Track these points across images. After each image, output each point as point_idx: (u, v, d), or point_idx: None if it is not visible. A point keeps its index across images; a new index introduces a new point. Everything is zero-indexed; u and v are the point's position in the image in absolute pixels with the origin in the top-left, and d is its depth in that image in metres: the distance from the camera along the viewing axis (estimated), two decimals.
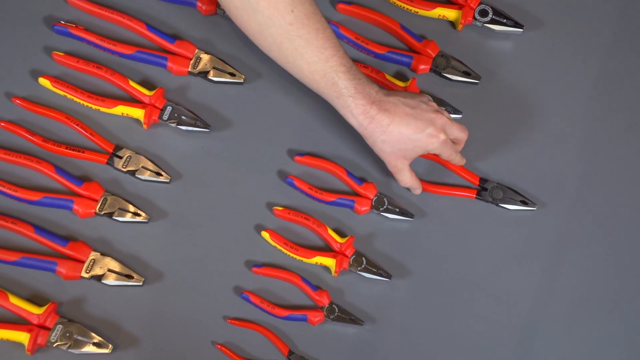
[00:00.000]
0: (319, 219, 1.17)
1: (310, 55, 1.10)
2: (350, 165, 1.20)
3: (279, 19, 1.08)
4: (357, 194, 1.19)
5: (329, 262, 1.16)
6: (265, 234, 1.17)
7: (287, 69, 1.13)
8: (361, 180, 1.19)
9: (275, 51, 1.12)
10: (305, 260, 1.16)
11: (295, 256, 1.16)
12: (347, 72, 1.11)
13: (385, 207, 1.18)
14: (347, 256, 1.16)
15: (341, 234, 1.18)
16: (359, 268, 1.15)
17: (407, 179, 1.16)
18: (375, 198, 1.18)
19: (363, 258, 1.16)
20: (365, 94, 1.11)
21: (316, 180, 1.19)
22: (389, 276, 1.16)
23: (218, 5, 1.24)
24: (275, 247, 1.16)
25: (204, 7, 1.24)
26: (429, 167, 1.21)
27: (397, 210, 1.18)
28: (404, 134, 1.11)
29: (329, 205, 1.18)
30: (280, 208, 1.18)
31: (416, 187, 1.18)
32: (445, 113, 1.15)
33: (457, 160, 1.18)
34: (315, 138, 1.21)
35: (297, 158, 1.19)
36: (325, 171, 1.20)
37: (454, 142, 1.16)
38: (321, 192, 1.18)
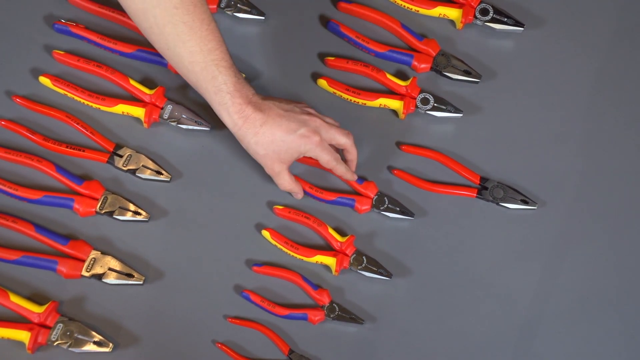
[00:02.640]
0: (320, 218, 1.17)
1: (192, 44, 1.07)
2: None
3: (165, 1, 1.06)
4: (357, 193, 1.19)
5: (330, 261, 1.16)
6: (265, 233, 1.17)
7: (165, 56, 1.11)
8: (362, 179, 1.19)
9: (156, 34, 1.08)
10: (305, 259, 1.16)
11: (295, 255, 1.16)
12: (229, 69, 1.09)
13: (385, 206, 1.18)
14: (347, 255, 1.16)
15: (342, 233, 1.18)
16: (359, 267, 1.15)
17: (286, 183, 1.14)
18: (375, 197, 1.18)
19: (363, 257, 1.16)
20: (243, 93, 1.09)
21: (317, 178, 1.19)
22: (389, 275, 1.16)
23: (219, 4, 1.24)
24: (275, 246, 1.16)
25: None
26: (429, 166, 1.20)
27: (398, 209, 1.18)
28: (276, 135, 1.10)
29: (330, 205, 1.18)
30: (280, 207, 1.18)
31: (297, 191, 1.16)
32: (327, 118, 1.14)
33: (342, 171, 1.15)
34: None
35: (306, 160, 1.19)
36: (325, 169, 1.20)
37: (340, 148, 1.15)
38: (322, 191, 1.18)
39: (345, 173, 1.16)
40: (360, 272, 1.15)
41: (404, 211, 1.18)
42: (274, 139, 1.10)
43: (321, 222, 1.17)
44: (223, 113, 1.10)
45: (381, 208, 1.18)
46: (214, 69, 1.08)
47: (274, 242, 1.16)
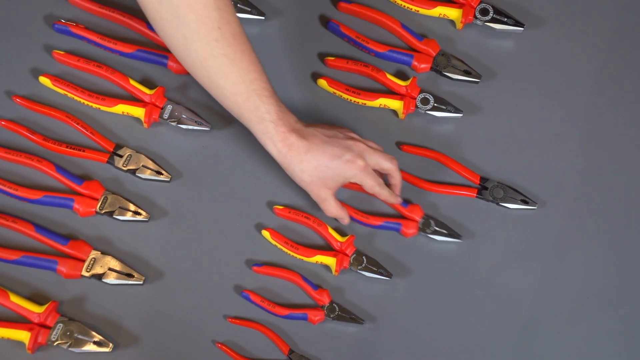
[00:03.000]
0: (320, 218, 1.17)
1: (234, 75, 1.07)
2: None
3: (206, 34, 1.05)
4: (403, 217, 1.18)
5: (330, 261, 1.16)
6: (265, 233, 1.17)
7: (208, 89, 1.11)
8: (406, 202, 1.18)
9: (198, 68, 1.09)
10: (305, 259, 1.16)
11: (295, 255, 1.16)
12: (271, 97, 1.09)
13: (432, 229, 1.17)
14: (347, 255, 1.16)
15: (342, 233, 1.18)
16: (359, 267, 1.15)
17: (332, 209, 1.14)
18: (421, 220, 1.18)
19: (363, 257, 1.16)
20: (285, 121, 1.09)
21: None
22: (389, 275, 1.16)
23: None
24: (275, 246, 1.16)
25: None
26: (429, 166, 1.20)
27: (445, 231, 1.17)
28: (321, 161, 1.10)
29: (373, 228, 1.17)
30: (280, 207, 1.18)
31: (343, 216, 1.15)
32: (370, 142, 1.14)
33: (386, 195, 1.14)
34: None
35: (348, 185, 1.17)
36: (366, 192, 1.18)
37: (384, 173, 1.14)
38: (367, 216, 1.17)
39: (389, 197, 1.15)
40: (360, 272, 1.15)
41: (451, 233, 1.17)
42: (318, 165, 1.10)
43: (321, 222, 1.17)
44: (267, 142, 1.10)
45: (427, 231, 1.17)
46: (256, 99, 1.08)
47: (274, 242, 1.16)
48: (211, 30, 1.05)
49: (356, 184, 1.14)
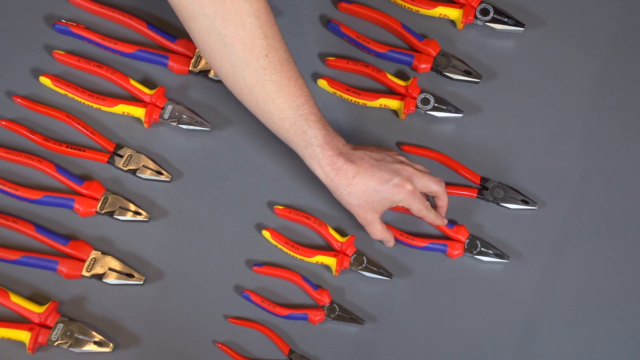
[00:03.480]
0: (320, 217, 1.17)
1: (281, 101, 1.08)
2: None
3: (253, 62, 1.07)
4: (448, 238, 1.18)
5: (330, 261, 1.16)
6: (266, 233, 1.17)
7: (256, 114, 1.12)
8: (452, 223, 1.18)
9: (246, 94, 1.10)
10: (306, 259, 1.16)
11: (296, 255, 1.16)
12: (317, 122, 1.09)
13: (478, 249, 1.17)
14: (347, 255, 1.16)
15: (342, 233, 1.18)
16: (359, 267, 1.16)
17: (378, 232, 1.14)
18: (467, 241, 1.17)
19: (364, 257, 1.16)
20: (333, 145, 1.10)
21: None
22: (389, 275, 1.16)
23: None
24: (276, 246, 1.16)
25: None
26: (429, 166, 1.20)
27: (491, 252, 1.17)
28: (369, 185, 1.10)
29: (419, 250, 1.17)
30: (281, 207, 1.18)
31: (388, 239, 1.15)
32: (417, 165, 1.14)
33: (432, 218, 1.15)
34: None
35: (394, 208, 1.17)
36: (415, 215, 1.18)
37: (431, 195, 1.15)
38: (413, 237, 1.17)
39: (436, 219, 1.15)
40: (361, 272, 1.15)
41: (497, 253, 1.17)
42: (367, 189, 1.10)
43: (321, 222, 1.17)
44: (315, 165, 1.10)
45: (474, 252, 1.17)
46: (303, 123, 1.09)
47: (274, 242, 1.16)
48: (259, 58, 1.07)
49: (401, 207, 1.14)
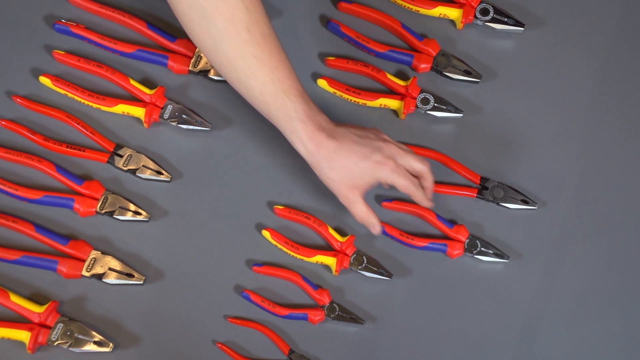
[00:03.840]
0: (320, 217, 1.17)
1: (262, 75, 1.07)
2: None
3: (235, 35, 1.06)
4: (448, 238, 1.18)
5: (330, 261, 1.16)
6: (265, 233, 1.17)
7: (237, 89, 1.10)
8: (452, 223, 1.18)
9: (227, 68, 1.08)
10: (305, 259, 1.16)
11: (295, 255, 1.16)
12: (299, 96, 1.08)
13: (478, 249, 1.17)
14: (347, 255, 1.16)
15: (342, 233, 1.18)
16: (359, 267, 1.16)
17: (361, 212, 1.10)
18: (467, 240, 1.17)
19: (364, 257, 1.16)
20: (314, 120, 1.08)
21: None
22: (389, 275, 1.16)
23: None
24: (275, 246, 1.17)
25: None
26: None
27: (491, 252, 1.17)
28: (350, 160, 1.08)
29: (419, 250, 1.17)
30: (281, 207, 1.18)
31: (373, 222, 1.11)
32: (401, 145, 1.12)
33: (420, 197, 1.12)
34: None
35: (385, 204, 1.17)
36: (414, 215, 1.18)
37: (415, 175, 1.12)
38: (413, 237, 1.17)
39: (423, 200, 1.13)
40: (361, 272, 1.15)
41: (497, 253, 1.17)
42: (348, 164, 1.08)
43: (321, 222, 1.17)
44: (295, 140, 1.09)
45: (474, 252, 1.17)
46: (284, 97, 1.07)
47: (274, 242, 1.16)
48: (240, 31, 1.06)
49: (398, 202, 1.14)
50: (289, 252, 1.16)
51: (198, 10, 1.05)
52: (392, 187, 1.19)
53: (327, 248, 1.17)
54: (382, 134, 1.13)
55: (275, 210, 1.18)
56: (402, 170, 1.10)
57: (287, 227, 1.18)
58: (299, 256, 1.16)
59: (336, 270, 1.15)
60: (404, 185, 1.10)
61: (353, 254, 1.16)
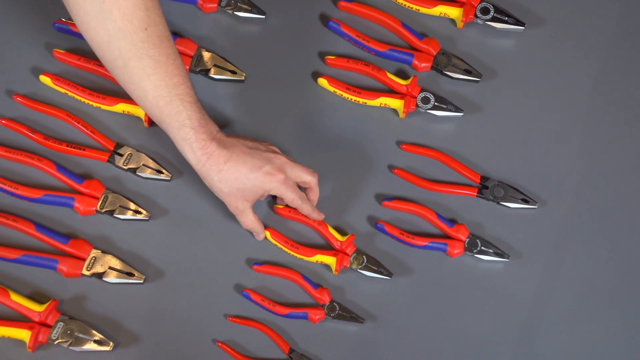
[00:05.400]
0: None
1: (157, 78, 1.05)
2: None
3: (132, 33, 1.03)
4: (448, 237, 1.18)
5: (330, 260, 1.16)
6: (266, 233, 1.17)
7: (128, 91, 1.08)
8: (452, 222, 1.18)
9: (120, 67, 1.06)
10: (306, 258, 1.16)
11: (296, 254, 1.16)
12: (194, 104, 1.07)
13: (479, 248, 1.17)
14: (347, 254, 1.16)
15: (342, 232, 1.18)
16: (359, 266, 1.16)
17: (249, 221, 1.12)
18: (467, 240, 1.17)
19: (364, 256, 1.16)
20: (207, 129, 1.07)
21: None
22: (389, 274, 1.16)
23: (219, 2, 1.24)
24: (276, 245, 1.17)
25: (205, 5, 1.24)
26: (429, 165, 1.21)
27: (491, 251, 1.17)
28: (240, 172, 1.08)
29: (419, 249, 1.17)
30: (281, 206, 1.18)
31: (258, 230, 1.14)
32: (289, 157, 1.12)
33: (308, 210, 1.13)
34: (317, 138, 1.21)
35: (386, 203, 1.18)
36: (415, 214, 1.18)
37: (303, 186, 1.14)
38: (413, 236, 1.17)
39: (312, 212, 1.14)
40: (361, 271, 1.16)
41: (497, 252, 1.17)
42: (238, 176, 1.08)
43: (321, 222, 1.17)
44: (186, 149, 1.07)
45: (474, 251, 1.17)
46: (178, 103, 1.06)
47: (274, 242, 1.16)
48: (137, 30, 1.03)
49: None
50: (289, 251, 1.16)
51: (94, 3, 1.02)
52: (391, 186, 1.19)
53: (327, 247, 1.17)
54: (271, 145, 1.13)
55: (276, 210, 1.18)
56: (291, 183, 1.11)
57: (287, 226, 1.18)
58: (299, 255, 1.16)
59: (336, 270, 1.15)
60: (291, 198, 1.11)
61: (353, 253, 1.16)
